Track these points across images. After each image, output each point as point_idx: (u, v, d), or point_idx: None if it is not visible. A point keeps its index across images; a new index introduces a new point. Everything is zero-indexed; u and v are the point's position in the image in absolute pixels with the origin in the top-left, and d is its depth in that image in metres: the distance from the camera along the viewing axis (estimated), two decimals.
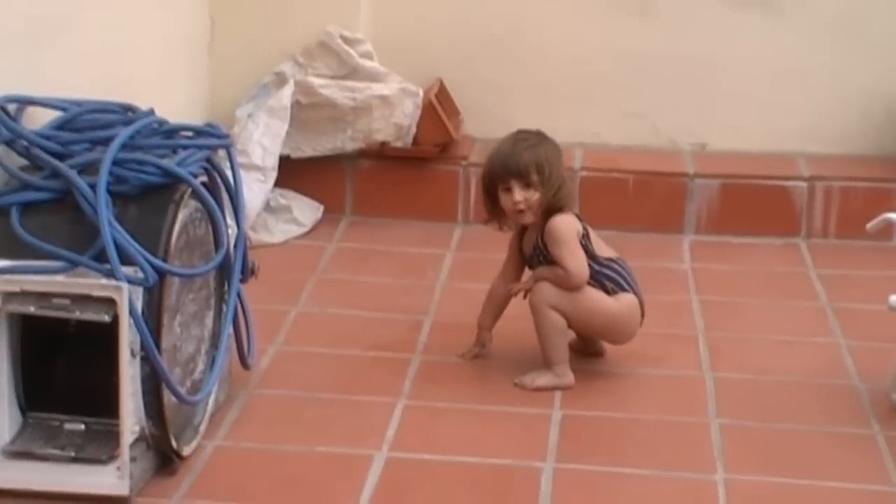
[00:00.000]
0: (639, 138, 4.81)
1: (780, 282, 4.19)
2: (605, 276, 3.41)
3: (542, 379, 3.41)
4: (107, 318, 2.71)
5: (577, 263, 3.36)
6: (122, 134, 2.88)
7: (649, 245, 4.39)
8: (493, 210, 3.46)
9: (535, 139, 3.44)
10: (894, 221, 3.34)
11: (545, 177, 3.36)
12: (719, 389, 3.43)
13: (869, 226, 3.39)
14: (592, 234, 3.44)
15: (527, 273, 3.49)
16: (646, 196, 4.55)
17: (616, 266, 3.44)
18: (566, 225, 3.39)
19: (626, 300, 3.43)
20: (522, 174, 3.37)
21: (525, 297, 3.46)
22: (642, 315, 3.46)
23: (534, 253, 3.44)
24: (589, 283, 3.39)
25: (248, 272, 3.26)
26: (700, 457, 3.10)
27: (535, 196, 3.37)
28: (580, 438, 3.18)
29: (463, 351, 3.55)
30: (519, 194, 3.37)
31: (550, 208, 3.39)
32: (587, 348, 3.55)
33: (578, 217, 3.43)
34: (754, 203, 4.53)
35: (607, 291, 3.41)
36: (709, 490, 2.96)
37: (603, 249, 3.45)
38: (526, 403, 3.33)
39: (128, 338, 2.73)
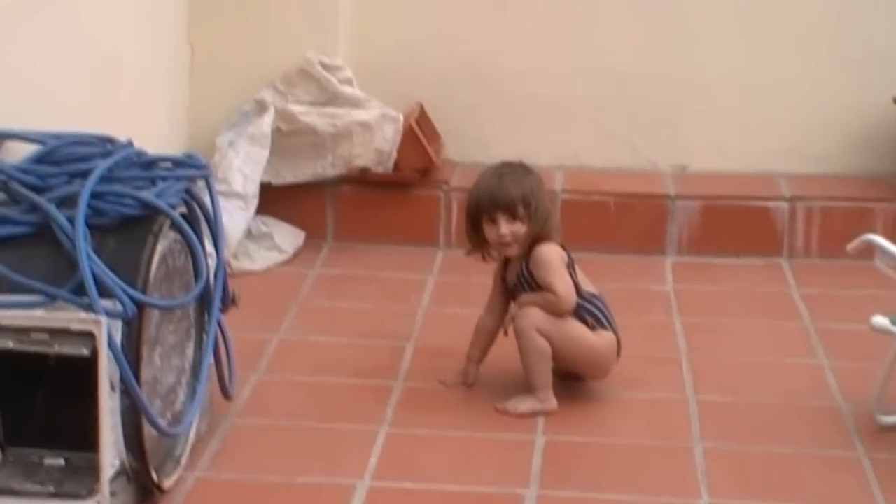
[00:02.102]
0: (619, 160, 4.81)
1: (762, 302, 4.19)
2: (587, 311, 3.41)
3: (525, 404, 3.40)
4: (86, 352, 2.69)
5: (565, 286, 3.37)
6: (101, 166, 2.87)
7: (631, 266, 4.39)
8: (477, 241, 3.46)
9: (520, 172, 3.44)
10: (874, 242, 3.34)
11: (531, 210, 3.37)
12: (702, 412, 3.43)
13: (849, 247, 3.39)
14: (578, 267, 3.45)
15: (513, 306, 3.49)
16: (627, 218, 4.55)
17: (597, 302, 3.44)
18: (553, 251, 3.40)
19: (606, 337, 3.43)
20: (509, 207, 3.37)
21: (506, 334, 3.46)
22: (618, 354, 3.46)
23: (518, 282, 3.44)
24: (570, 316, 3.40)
25: (228, 301, 3.25)
26: (684, 481, 3.09)
27: (521, 229, 3.37)
28: (563, 464, 3.17)
29: (445, 377, 3.54)
30: (505, 227, 3.38)
31: (535, 240, 3.39)
32: (569, 373, 3.54)
33: (563, 247, 3.43)
34: (736, 223, 4.54)
35: (588, 326, 3.41)
36: None
37: (586, 284, 3.45)
38: (509, 429, 3.33)
39: (107, 371, 2.71)
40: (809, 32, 4.73)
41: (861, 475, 3.12)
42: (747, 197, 4.57)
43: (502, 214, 3.37)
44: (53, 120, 3.17)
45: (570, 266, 3.42)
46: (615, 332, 3.46)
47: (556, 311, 3.37)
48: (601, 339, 3.42)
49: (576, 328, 3.40)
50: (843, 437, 3.30)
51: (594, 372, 3.49)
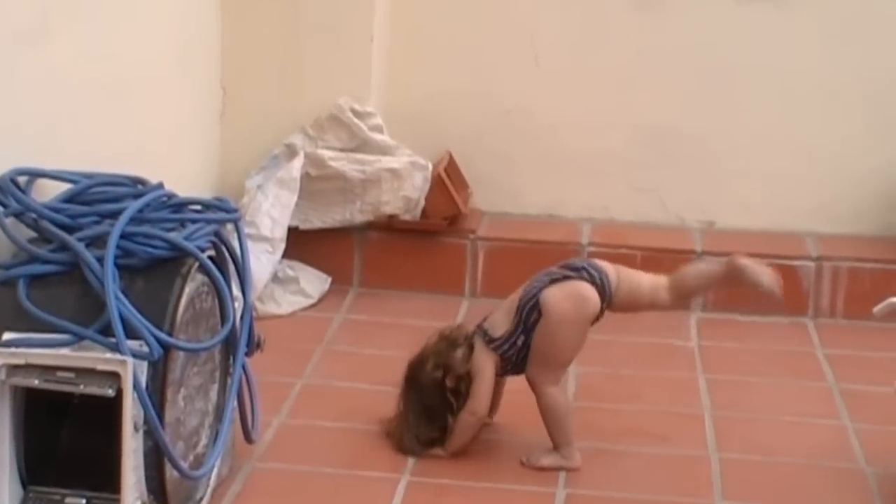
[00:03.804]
0: (647, 214, 4.82)
1: (787, 361, 4.17)
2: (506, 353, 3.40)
3: (548, 459, 3.39)
4: (111, 392, 2.70)
5: (476, 403, 3.37)
6: (131, 207, 2.89)
7: (656, 321, 4.37)
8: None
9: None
10: None
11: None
12: (725, 470, 3.41)
13: (876, 310, 3.38)
14: (491, 320, 3.42)
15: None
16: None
17: (510, 343, 3.39)
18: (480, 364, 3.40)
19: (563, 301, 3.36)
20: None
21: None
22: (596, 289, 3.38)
23: (507, 368, 3.43)
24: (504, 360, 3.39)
25: (253, 345, 3.26)
26: None
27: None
28: None
29: None
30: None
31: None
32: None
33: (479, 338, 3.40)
34: None
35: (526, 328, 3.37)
36: None
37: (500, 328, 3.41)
38: (530, 482, 3.32)
39: (131, 412, 2.72)
40: (841, 93, 4.73)
41: None
42: (774, 255, 4.54)
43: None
44: (85, 160, 3.19)
45: (490, 341, 3.39)
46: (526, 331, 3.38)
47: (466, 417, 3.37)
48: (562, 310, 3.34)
49: (547, 342, 3.35)
50: (867, 500, 3.27)
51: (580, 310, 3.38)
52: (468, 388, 3.38)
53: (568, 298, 3.36)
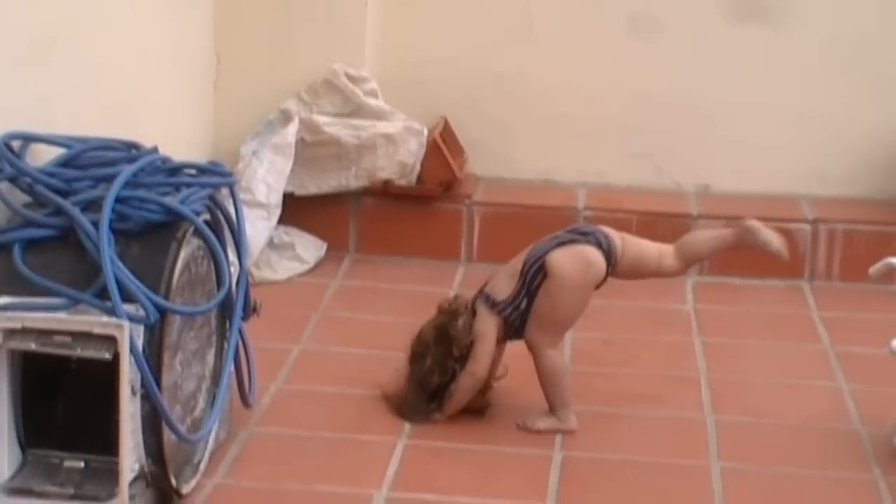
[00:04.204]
0: (643, 179, 4.82)
1: (782, 324, 4.18)
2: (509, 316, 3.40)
3: (544, 422, 3.40)
4: (107, 356, 2.70)
5: (476, 365, 3.37)
6: (126, 172, 2.89)
7: (652, 286, 4.36)
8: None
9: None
10: None
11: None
12: (720, 432, 3.42)
13: (872, 270, 3.39)
14: (493, 285, 3.42)
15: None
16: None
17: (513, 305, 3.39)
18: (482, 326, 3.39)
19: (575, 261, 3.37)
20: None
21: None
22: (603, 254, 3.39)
23: (509, 332, 3.42)
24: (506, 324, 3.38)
25: (249, 310, 3.26)
26: (700, 500, 3.09)
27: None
28: (581, 480, 3.17)
29: None
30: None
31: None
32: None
33: (482, 301, 3.40)
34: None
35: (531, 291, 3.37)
36: None
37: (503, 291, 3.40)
38: (527, 445, 3.33)
39: (128, 375, 2.72)
40: (834, 57, 4.73)
41: (877, 499, 3.11)
42: (770, 219, 4.51)
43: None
44: (78, 125, 3.18)
45: (492, 305, 3.39)
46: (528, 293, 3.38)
47: (469, 378, 3.37)
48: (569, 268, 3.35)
49: (554, 300, 3.35)
50: (861, 461, 3.29)
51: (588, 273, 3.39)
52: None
53: (574, 261, 3.36)
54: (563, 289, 3.35)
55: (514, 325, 3.40)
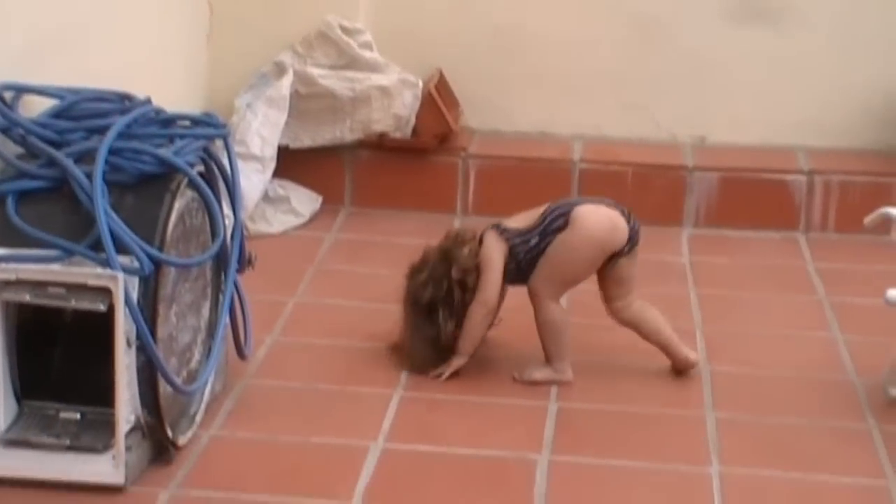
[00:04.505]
0: (638, 131, 4.81)
1: (778, 276, 4.18)
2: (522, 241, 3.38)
3: (540, 373, 3.40)
4: (102, 308, 2.70)
5: (485, 293, 3.34)
6: (119, 123, 2.88)
7: (648, 238, 4.32)
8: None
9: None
10: (892, 216, 3.33)
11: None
12: (715, 383, 3.43)
13: (867, 220, 3.39)
14: (513, 221, 3.41)
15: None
16: (645, 189, 4.54)
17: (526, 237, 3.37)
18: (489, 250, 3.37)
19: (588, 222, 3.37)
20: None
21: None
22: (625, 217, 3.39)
23: (512, 267, 3.41)
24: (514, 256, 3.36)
25: (244, 262, 3.26)
26: (695, 450, 3.10)
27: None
28: (576, 431, 3.18)
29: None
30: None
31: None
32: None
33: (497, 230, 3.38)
34: (753, 196, 4.53)
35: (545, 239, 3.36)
36: (703, 483, 2.96)
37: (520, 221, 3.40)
38: (522, 396, 3.33)
39: (123, 327, 2.73)
40: (831, 6, 4.71)
41: (871, 448, 3.13)
42: (765, 170, 4.57)
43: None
44: (71, 75, 3.17)
45: (504, 232, 3.37)
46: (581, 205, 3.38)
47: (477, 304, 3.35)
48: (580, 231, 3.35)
49: (559, 253, 3.35)
50: (855, 410, 3.30)
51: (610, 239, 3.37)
52: (475, 283, 3.36)
53: (602, 219, 3.37)
54: (582, 240, 3.34)
55: (518, 260, 3.37)
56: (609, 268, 3.41)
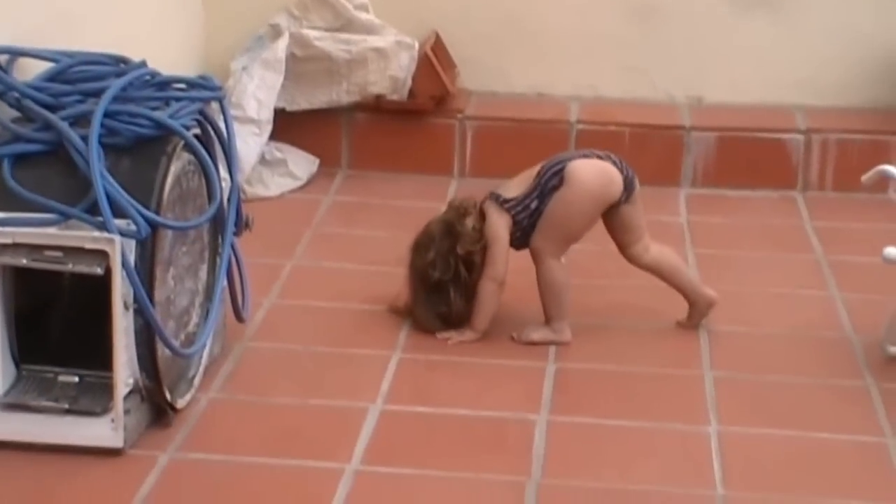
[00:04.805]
0: (635, 91, 4.79)
1: (775, 235, 4.18)
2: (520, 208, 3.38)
3: (539, 333, 3.41)
4: (99, 271, 2.70)
5: (495, 269, 3.35)
6: (114, 86, 2.87)
7: (645, 198, 4.30)
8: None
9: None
10: (889, 174, 3.33)
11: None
12: (713, 342, 3.44)
13: (864, 178, 3.38)
14: (503, 188, 3.40)
15: None
16: (642, 149, 4.53)
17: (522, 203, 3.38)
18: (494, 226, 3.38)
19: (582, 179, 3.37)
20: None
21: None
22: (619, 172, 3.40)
23: (517, 234, 3.41)
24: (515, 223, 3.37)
25: (242, 225, 3.26)
26: (693, 409, 3.11)
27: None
28: (574, 391, 3.19)
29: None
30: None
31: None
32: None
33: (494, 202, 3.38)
34: (751, 156, 4.53)
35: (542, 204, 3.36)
36: (701, 442, 2.97)
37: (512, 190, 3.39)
38: (520, 356, 3.34)
39: (120, 290, 2.73)
40: None
41: (869, 405, 3.13)
42: (763, 129, 4.56)
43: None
44: (66, 39, 3.16)
45: (503, 202, 3.37)
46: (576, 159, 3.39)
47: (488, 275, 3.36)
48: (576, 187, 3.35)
49: (557, 211, 3.34)
50: (853, 368, 3.30)
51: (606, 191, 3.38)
52: (482, 260, 3.37)
53: (595, 173, 3.37)
54: (578, 195, 3.35)
55: (522, 227, 3.38)
56: (612, 218, 3.42)
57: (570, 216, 3.36)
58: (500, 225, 3.36)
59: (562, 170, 3.36)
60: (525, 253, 3.44)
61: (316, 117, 4.51)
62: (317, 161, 4.51)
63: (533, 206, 3.37)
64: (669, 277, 3.50)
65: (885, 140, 4.49)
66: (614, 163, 3.41)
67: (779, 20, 4.73)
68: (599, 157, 3.42)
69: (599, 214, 3.40)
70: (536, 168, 3.42)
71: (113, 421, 2.78)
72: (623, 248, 3.49)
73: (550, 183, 3.36)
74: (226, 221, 3.15)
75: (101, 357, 2.80)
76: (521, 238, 3.41)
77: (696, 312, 3.49)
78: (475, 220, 3.37)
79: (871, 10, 4.68)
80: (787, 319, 3.57)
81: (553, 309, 3.41)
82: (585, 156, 3.43)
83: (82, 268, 2.70)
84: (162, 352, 2.87)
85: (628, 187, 3.39)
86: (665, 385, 3.23)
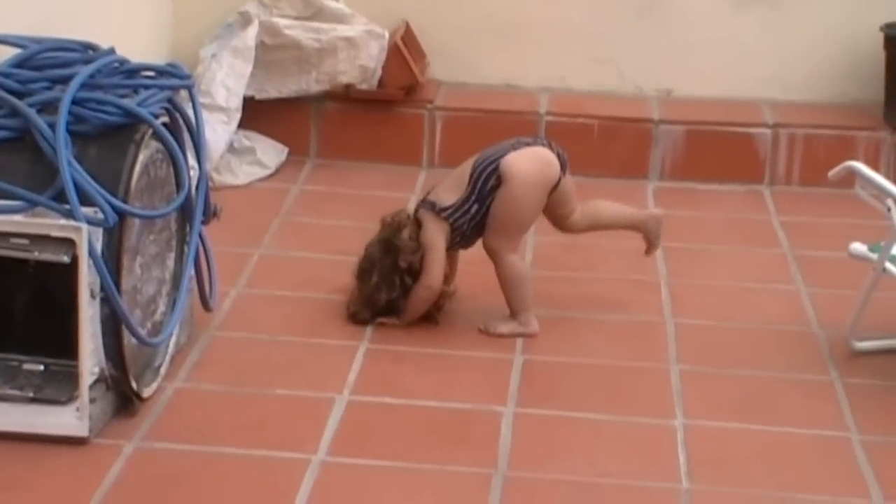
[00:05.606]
0: (605, 84, 4.80)
1: (743, 229, 4.20)
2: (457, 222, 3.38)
3: (506, 326, 3.41)
4: (66, 259, 2.69)
5: (429, 276, 3.35)
6: (83, 73, 2.85)
7: (614, 191, 4.38)
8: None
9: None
10: (855, 169, 3.35)
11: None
12: (680, 335, 3.45)
13: (831, 174, 3.40)
14: (436, 193, 3.40)
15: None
16: (611, 142, 4.55)
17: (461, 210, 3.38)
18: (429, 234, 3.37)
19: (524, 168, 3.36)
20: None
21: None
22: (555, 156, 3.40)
23: (458, 239, 3.41)
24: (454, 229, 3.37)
25: (210, 214, 3.24)
26: (659, 402, 3.12)
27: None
28: (541, 383, 3.19)
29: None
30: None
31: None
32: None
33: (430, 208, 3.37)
34: (719, 150, 4.54)
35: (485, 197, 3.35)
36: (668, 435, 2.98)
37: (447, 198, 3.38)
38: (488, 348, 3.34)
39: (87, 279, 2.71)
40: None
41: (834, 399, 3.15)
42: (731, 123, 4.57)
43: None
44: (33, 25, 3.13)
45: (439, 211, 3.36)
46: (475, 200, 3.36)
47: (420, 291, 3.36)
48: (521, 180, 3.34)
49: (505, 204, 3.34)
50: (818, 362, 3.32)
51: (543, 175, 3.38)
52: (421, 263, 3.37)
53: (531, 161, 3.36)
54: (521, 190, 3.35)
55: (462, 231, 3.39)
56: (551, 197, 3.43)
57: (519, 209, 3.37)
58: (436, 233, 3.36)
59: (497, 167, 3.36)
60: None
61: (285, 106, 4.50)
62: (285, 150, 4.50)
63: (473, 210, 3.37)
64: (611, 222, 3.55)
65: (851, 135, 4.51)
66: (543, 144, 3.41)
67: (748, 15, 4.74)
68: (528, 144, 3.41)
69: (545, 200, 3.41)
70: (467, 168, 3.40)
71: (78, 410, 2.77)
72: (560, 222, 3.51)
73: (488, 184, 3.36)
74: (194, 210, 3.14)
75: (66, 345, 2.78)
76: (461, 241, 3.43)
77: (651, 234, 3.56)
78: (411, 230, 3.38)
79: (839, 6, 4.70)
80: (753, 313, 3.59)
81: (517, 302, 3.41)
82: (514, 147, 3.41)
83: (48, 256, 2.69)
84: (128, 340, 2.85)
85: (563, 165, 3.40)
86: (631, 378, 3.23)
